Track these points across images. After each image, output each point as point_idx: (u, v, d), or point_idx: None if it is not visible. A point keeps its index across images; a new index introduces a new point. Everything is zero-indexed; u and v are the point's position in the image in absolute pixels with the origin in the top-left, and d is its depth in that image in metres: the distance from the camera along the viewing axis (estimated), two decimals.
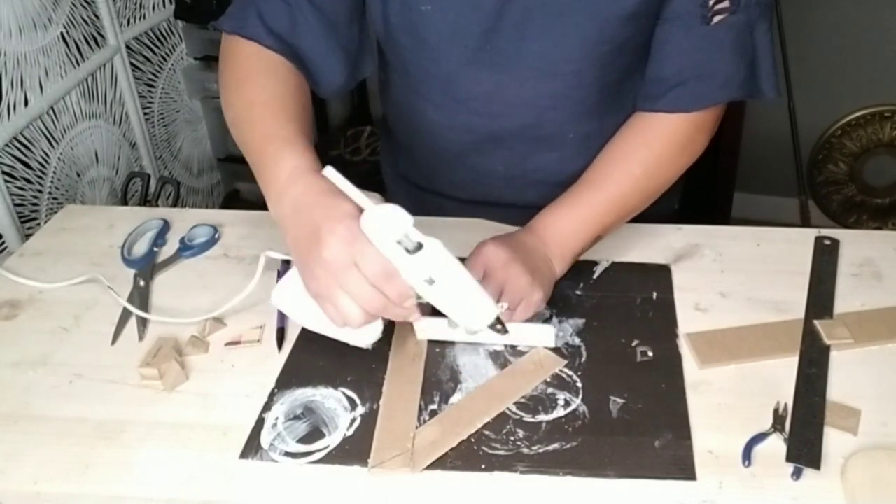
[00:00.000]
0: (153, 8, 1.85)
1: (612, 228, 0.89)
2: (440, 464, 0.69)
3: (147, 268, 0.97)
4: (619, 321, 0.85)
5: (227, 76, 0.85)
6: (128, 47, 1.74)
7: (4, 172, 1.33)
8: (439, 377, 0.78)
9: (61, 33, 1.49)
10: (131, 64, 1.76)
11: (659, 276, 0.91)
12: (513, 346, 0.82)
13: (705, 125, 0.89)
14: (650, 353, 0.80)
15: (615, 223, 0.89)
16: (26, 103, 1.39)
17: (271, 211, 0.74)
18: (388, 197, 1.17)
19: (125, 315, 0.89)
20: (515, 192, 1.00)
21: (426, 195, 1.08)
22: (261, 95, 0.80)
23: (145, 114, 1.84)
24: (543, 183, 0.98)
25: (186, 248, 1.00)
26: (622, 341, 0.82)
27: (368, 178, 0.96)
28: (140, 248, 1.01)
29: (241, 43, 0.85)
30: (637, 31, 0.85)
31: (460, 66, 0.89)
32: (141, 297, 0.92)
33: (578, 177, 0.91)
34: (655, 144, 0.88)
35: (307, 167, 0.72)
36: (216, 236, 1.02)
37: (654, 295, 0.88)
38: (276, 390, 0.78)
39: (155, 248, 1.00)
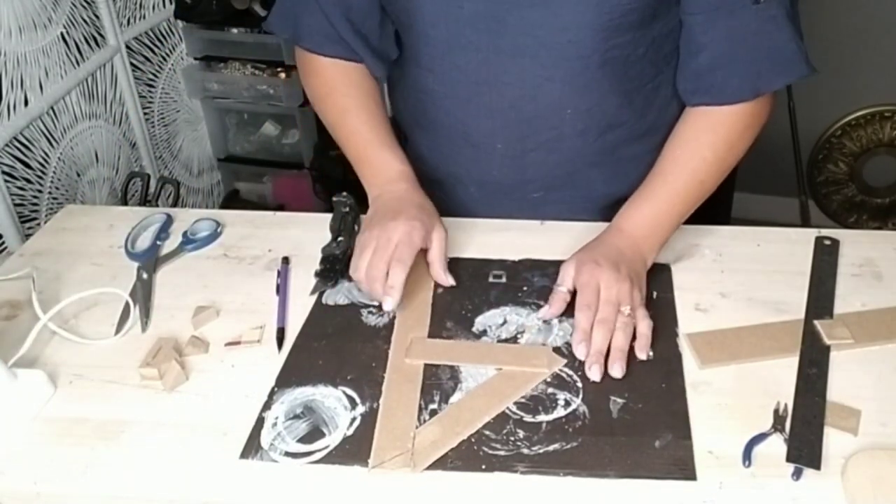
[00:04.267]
0: (153, 8, 1.85)
1: (692, 210, 0.92)
2: (440, 464, 0.69)
3: (150, 261, 0.97)
4: None
5: (312, 88, 1.03)
6: (128, 47, 1.74)
7: (4, 172, 1.33)
8: (439, 376, 0.78)
9: (61, 33, 1.49)
10: (131, 64, 1.76)
11: (659, 275, 0.91)
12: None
13: (765, 99, 0.91)
14: (650, 353, 0.80)
15: (695, 205, 0.92)
16: (26, 103, 1.39)
17: (371, 191, 0.96)
18: None
19: (128, 307, 0.89)
20: (515, 172, 1.01)
21: (430, 184, 1.08)
22: (348, 104, 0.98)
23: (145, 114, 1.84)
24: (542, 163, 0.99)
25: (189, 242, 1.00)
26: None
27: None
28: (143, 242, 1.01)
29: (311, 55, 1.00)
30: (639, 5, 0.85)
31: (457, 28, 0.89)
32: (144, 290, 0.92)
33: (577, 157, 0.93)
34: (721, 128, 0.90)
35: (408, 175, 0.95)
36: (218, 230, 1.03)
37: (655, 294, 0.88)
38: (275, 389, 0.78)
39: (158, 242, 1.01)
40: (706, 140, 0.90)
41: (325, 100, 1.01)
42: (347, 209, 0.99)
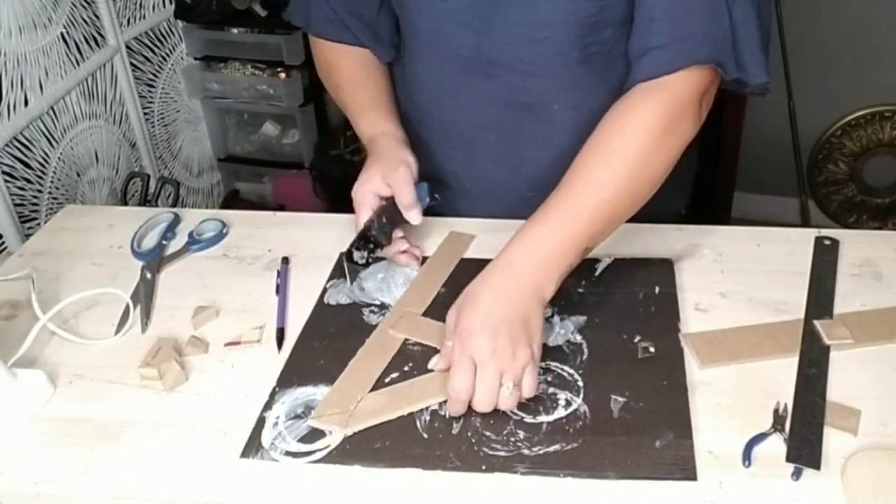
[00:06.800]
0: (153, 8, 1.85)
1: (602, 236, 0.82)
2: (440, 464, 0.69)
3: (154, 261, 0.97)
4: (621, 317, 0.85)
5: (321, 69, 1.10)
6: (128, 47, 1.74)
7: (4, 172, 1.33)
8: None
9: (61, 33, 1.49)
10: (131, 64, 1.76)
11: (661, 270, 0.91)
12: None
13: (688, 107, 0.83)
14: (652, 349, 0.80)
15: (605, 230, 0.82)
16: (26, 103, 1.39)
17: (365, 144, 1.01)
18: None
19: (128, 307, 0.89)
20: (509, 169, 1.01)
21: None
22: (343, 78, 1.06)
23: (145, 114, 1.84)
24: (535, 160, 0.99)
25: (195, 242, 1.00)
26: (624, 337, 0.82)
27: None
28: (149, 242, 1.01)
29: (320, 41, 1.07)
30: (613, 2, 0.85)
31: (441, 22, 0.92)
32: (146, 289, 0.92)
33: (570, 154, 0.85)
34: (633, 131, 0.82)
35: (384, 131, 0.99)
36: (224, 231, 1.03)
37: (657, 289, 0.88)
38: (277, 389, 0.78)
39: (164, 242, 1.01)
40: (615, 145, 0.82)
41: (329, 76, 1.07)
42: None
